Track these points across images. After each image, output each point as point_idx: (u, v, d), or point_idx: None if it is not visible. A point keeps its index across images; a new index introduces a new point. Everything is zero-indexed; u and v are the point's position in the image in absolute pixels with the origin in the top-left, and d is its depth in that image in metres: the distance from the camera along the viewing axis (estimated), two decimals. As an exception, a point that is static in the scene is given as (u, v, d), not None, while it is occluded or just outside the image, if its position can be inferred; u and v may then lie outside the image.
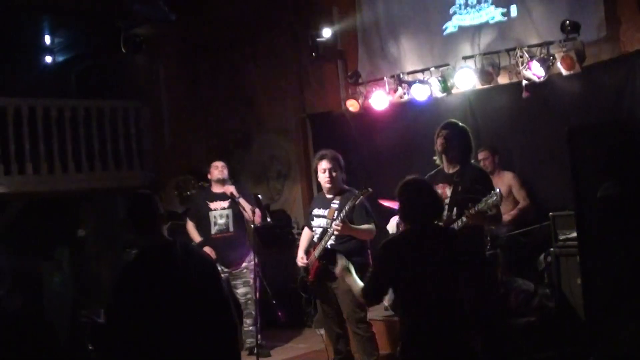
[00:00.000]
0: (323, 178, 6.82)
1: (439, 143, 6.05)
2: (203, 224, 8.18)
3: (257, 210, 8.08)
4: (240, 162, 11.83)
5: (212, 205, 8.13)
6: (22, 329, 3.36)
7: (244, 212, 7.96)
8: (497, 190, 5.61)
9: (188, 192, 8.63)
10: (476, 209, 5.57)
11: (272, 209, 10.99)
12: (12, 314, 3.44)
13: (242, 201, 8.01)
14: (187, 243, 4.15)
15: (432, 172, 6.24)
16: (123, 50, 8.07)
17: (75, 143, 11.62)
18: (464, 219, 5.67)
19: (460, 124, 6.16)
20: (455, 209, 5.86)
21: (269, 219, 10.53)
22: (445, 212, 5.94)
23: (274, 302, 8.96)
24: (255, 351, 7.93)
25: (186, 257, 4.03)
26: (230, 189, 8.04)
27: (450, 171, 6.04)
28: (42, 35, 13.56)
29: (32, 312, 3.41)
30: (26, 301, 3.52)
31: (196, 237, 8.16)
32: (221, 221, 8.10)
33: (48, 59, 13.90)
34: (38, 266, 10.51)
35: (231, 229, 8.08)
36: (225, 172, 8.24)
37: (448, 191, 5.97)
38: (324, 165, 6.78)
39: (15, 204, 11.44)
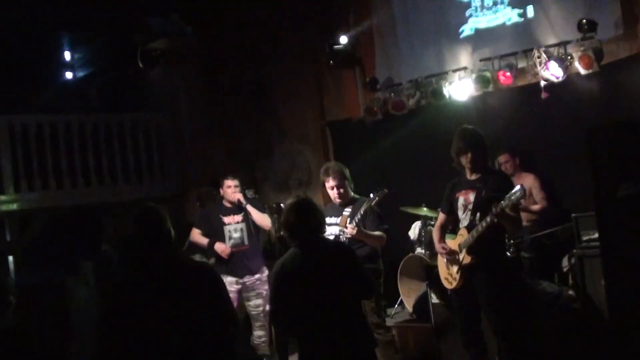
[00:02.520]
0: (332, 194, 6.85)
1: (465, 162, 6.03)
2: (217, 239, 7.99)
3: (265, 215, 8.07)
4: (262, 171, 11.87)
5: (226, 219, 7.98)
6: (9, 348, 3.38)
7: (254, 218, 7.97)
8: (520, 185, 5.61)
9: (216, 203, 8.56)
10: (502, 205, 5.58)
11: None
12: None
13: (249, 208, 7.98)
14: (180, 257, 4.16)
15: (455, 179, 6.23)
16: (140, 65, 8.09)
17: (97, 157, 11.72)
18: (488, 219, 5.66)
19: (473, 129, 6.13)
20: (478, 213, 5.86)
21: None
22: (469, 217, 5.95)
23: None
24: None
25: (177, 271, 4.06)
26: (237, 196, 8.00)
27: (473, 178, 6.03)
28: (62, 52, 13.67)
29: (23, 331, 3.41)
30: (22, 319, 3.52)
31: (204, 240, 8.04)
32: (236, 235, 7.98)
33: (68, 75, 14.00)
34: (63, 281, 10.59)
35: (246, 242, 7.95)
36: (238, 192, 8.04)
37: (471, 197, 5.97)
38: (330, 183, 6.79)
39: (39, 219, 11.54)
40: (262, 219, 8.04)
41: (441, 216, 6.40)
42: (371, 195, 6.54)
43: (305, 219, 4.91)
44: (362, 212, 6.47)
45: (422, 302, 7.79)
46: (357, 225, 6.43)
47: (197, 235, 8.16)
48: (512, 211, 5.74)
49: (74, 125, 11.53)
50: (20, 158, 10.93)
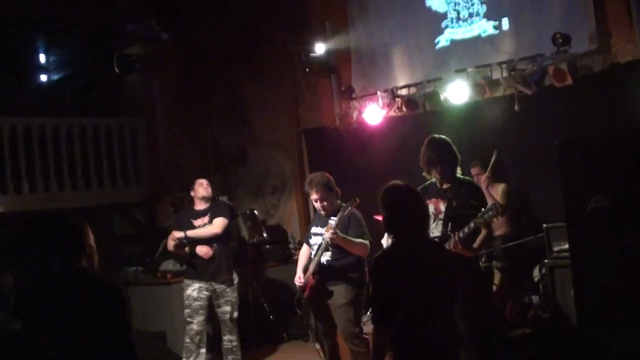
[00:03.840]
0: (317, 206, 6.89)
1: (435, 173, 6.04)
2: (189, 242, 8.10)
3: (215, 220, 8.07)
4: (236, 178, 11.87)
5: (196, 222, 8.09)
6: (14, 354, 3.35)
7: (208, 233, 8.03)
8: (492, 204, 5.63)
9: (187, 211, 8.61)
10: (471, 225, 5.59)
11: (268, 224, 11.02)
12: (7, 338, 3.41)
13: (197, 232, 8.02)
14: (90, 274, 4.14)
15: (426, 184, 6.19)
16: (116, 70, 8.08)
17: (71, 161, 11.64)
18: (456, 238, 5.67)
19: (442, 140, 6.13)
20: (450, 224, 5.86)
21: (265, 234, 10.56)
22: (440, 228, 5.95)
23: (271, 317, 8.99)
24: None
25: (81, 288, 4.02)
26: (179, 234, 8.01)
27: (444, 186, 6.04)
28: (37, 54, 13.61)
29: (28, 336, 3.39)
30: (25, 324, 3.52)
31: (180, 234, 8.05)
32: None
33: (43, 78, 13.94)
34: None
35: (214, 243, 8.06)
36: (210, 190, 8.18)
37: (442, 206, 5.96)
38: (314, 196, 6.81)
39: (12, 222, 11.45)
40: (205, 232, 8.07)
41: None
42: (343, 204, 6.61)
43: (402, 213, 4.35)
44: (336, 219, 6.50)
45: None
46: (334, 229, 6.44)
47: (173, 243, 8.18)
48: (484, 226, 5.76)
49: (48, 129, 11.45)
50: (-8, 161, 10.85)
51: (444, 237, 5.85)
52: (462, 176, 6.19)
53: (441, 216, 5.95)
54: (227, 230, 8.20)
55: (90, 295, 3.99)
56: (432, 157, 6.01)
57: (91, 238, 4.20)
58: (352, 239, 6.56)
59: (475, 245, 5.76)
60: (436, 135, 6.18)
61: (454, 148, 6.08)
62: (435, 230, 5.99)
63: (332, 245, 6.55)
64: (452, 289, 4.36)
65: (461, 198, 5.85)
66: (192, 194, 8.25)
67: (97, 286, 4.07)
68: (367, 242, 6.64)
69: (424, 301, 4.20)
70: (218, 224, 8.06)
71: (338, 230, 6.45)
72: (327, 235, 6.42)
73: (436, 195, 6.05)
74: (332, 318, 6.80)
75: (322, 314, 6.87)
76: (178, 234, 7.98)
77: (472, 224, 5.57)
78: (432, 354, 4.24)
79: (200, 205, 8.19)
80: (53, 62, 13.99)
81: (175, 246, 8.08)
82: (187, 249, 8.01)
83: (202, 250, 7.93)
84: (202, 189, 8.16)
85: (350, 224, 6.66)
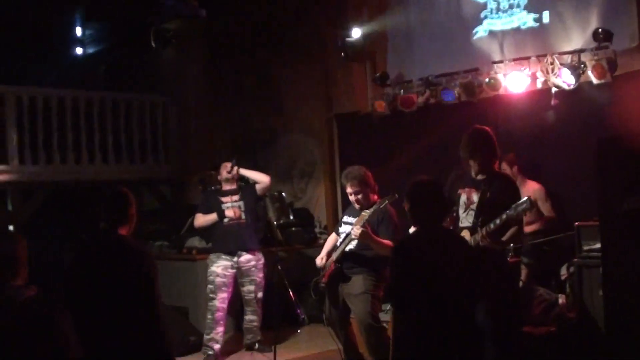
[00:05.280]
0: (351, 199, 6.86)
1: (472, 164, 5.95)
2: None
3: (260, 173, 8.59)
4: (265, 160, 11.84)
5: (224, 199, 8.30)
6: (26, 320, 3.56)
7: (252, 177, 8.49)
8: (527, 197, 5.54)
9: (212, 188, 8.69)
10: (503, 217, 5.51)
11: (295, 207, 11.00)
12: (21, 303, 3.54)
13: (244, 171, 8.44)
14: (126, 240, 4.69)
15: (459, 171, 6.09)
16: (153, 44, 8.10)
17: (102, 134, 11.70)
18: (484, 232, 5.60)
19: (484, 131, 6.03)
20: (480, 216, 5.77)
21: (291, 217, 10.56)
22: (471, 218, 5.86)
23: (293, 299, 8.97)
24: (255, 347, 8.32)
25: (119, 253, 4.55)
26: (227, 166, 8.37)
27: (479, 177, 5.94)
28: (73, 27, 13.64)
29: (42, 304, 3.49)
30: (40, 291, 3.62)
31: (211, 216, 8.27)
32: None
33: (78, 51, 13.98)
34: (63, 255, 10.58)
35: (243, 217, 8.22)
36: (234, 172, 8.35)
37: (475, 197, 5.83)
38: (349, 189, 6.81)
39: (41, 192, 11.54)
40: (259, 176, 8.51)
41: None
42: (381, 199, 6.56)
43: (423, 205, 4.68)
44: (370, 212, 6.46)
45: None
46: (363, 225, 6.41)
47: (201, 218, 8.37)
48: (515, 220, 5.67)
49: (81, 101, 11.50)
50: (26, 130, 10.90)
51: (474, 228, 5.77)
52: (498, 170, 6.12)
53: (473, 206, 5.85)
54: (254, 210, 8.26)
55: (124, 261, 4.51)
56: (472, 147, 5.91)
57: (133, 207, 4.74)
58: (379, 239, 6.50)
59: (504, 238, 5.68)
60: (479, 126, 6.09)
61: (495, 141, 5.98)
62: (465, 220, 5.89)
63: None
64: (472, 284, 4.50)
65: (495, 191, 5.76)
66: (219, 178, 8.48)
67: (138, 253, 4.61)
68: (392, 245, 6.56)
69: (436, 291, 4.36)
70: (267, 176, 8.48)
71: (367, 226, 6.42)
72: (353, 232, 6.43)
73: (470, 185, 5.93)
74: (347, 307, 6.77)
75: (338, 302, 6.84)
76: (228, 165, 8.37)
77: (504, 216, 5.51)
78: (444, 344, 4.36)
79: (227, 186, 8.36)
80: (89, 36, 14.03)
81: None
82: (216, 215, 8.22)
83: (230, 212, 8.16)
84: (225, 171, 8.36)
85: (383, 222, 6.62)
